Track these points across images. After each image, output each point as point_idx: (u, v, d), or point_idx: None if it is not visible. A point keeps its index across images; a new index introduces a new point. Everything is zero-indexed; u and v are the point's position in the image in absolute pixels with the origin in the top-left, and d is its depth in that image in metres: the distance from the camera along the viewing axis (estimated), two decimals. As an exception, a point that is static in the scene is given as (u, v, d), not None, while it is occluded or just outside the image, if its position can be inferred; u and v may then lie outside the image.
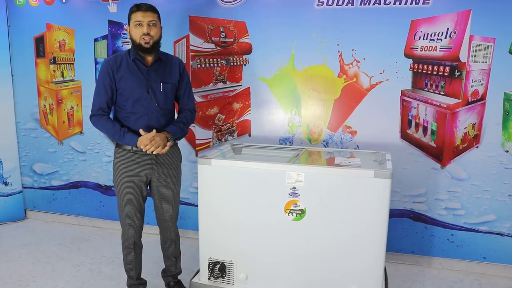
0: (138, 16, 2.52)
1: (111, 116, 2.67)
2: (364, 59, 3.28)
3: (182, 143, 2.84)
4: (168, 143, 2.57)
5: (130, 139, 2.55)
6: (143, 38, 2.52)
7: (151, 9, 2.56)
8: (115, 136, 2.59)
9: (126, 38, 3.79)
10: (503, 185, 3.19)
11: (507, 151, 3.15)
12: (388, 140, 3.33)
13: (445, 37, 3.10)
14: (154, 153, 2.53)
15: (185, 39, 3.61)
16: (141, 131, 2.53)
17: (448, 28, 3.09)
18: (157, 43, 2.59)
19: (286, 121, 3.54)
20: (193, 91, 3.10)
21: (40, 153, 4.31)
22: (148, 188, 2.79)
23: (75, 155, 4.19)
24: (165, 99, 2.66)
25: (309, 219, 2.49)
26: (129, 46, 3.73)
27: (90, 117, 2.64)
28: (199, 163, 2.67)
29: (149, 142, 2.50)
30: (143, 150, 2.53)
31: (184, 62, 3.40)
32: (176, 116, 2.84)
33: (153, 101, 2.60)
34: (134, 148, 2.61)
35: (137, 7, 2.54)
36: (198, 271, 2.87)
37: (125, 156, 2.64)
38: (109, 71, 2.57)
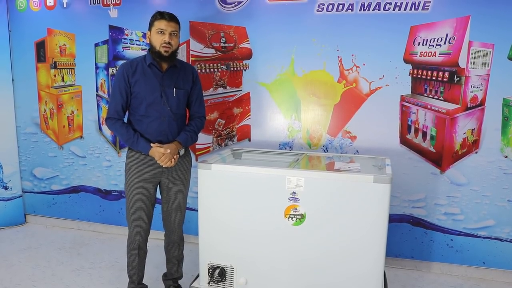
0: (162, 24, 2.58)
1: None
2: (364, 64, 3.29)
3: (189, 146, 2.88)
4: (176, 156, 2.67)
5: (143, 146, 2.63)
6: (164, 46, 2.58)
7: (175, 19, 2.63)
8: (128, 142, 2.66)
9: (127, 43, 3.81)
10: (502, 190, 3.20)
11: (506, 157, 3.16)
12: (388, 145, 3.33)
13: (444, 43, 3.12)
14: (164, 166, 2.64)
15: (185, 44, 3.62)
16: (152, 144, 2.62)
17: (447, 34, 3.10)
18: (174, 52, 2.66)
19: (286, 126, 3.55)
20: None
21: (40, 158, 4.32)
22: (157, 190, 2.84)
23: (75, 159, 4.19)
24: (178, 104, 2.72)
25: (309, 224, 2.50)
26: (129, 51, 3.81)
27: (106, 119, 2.71)
28: (199, 168, 2.68)
29: (161, 156, 2.60)
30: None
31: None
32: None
33: (166, 106, 2.66)
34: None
35: (161, 15, 2.59)
36: (198, 275, 2.87)
37: (137, 157, 2.69)
38: (125, 75, 2.63)
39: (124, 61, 3.34)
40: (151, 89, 2.63)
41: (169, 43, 2.58)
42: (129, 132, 2.64)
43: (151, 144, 2.61)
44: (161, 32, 2.58)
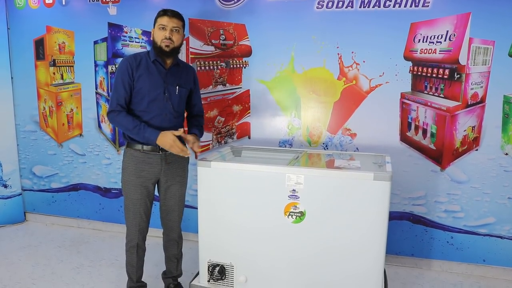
0: (163, 20, 2.58)
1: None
2: (364, 61, 3.28)
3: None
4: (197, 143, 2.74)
5: (151, 133, 2.55)
6: (164, 42, 2.57)
7: (177, 16, 2.62)
8: (134, 131, 2.56)
9: (126, 41, 3.80)
10: (502, 187, 3.19)
11: (506, 154, 3.15)
12: (388, 143, 3.33)
13: (445, 40, 3.11)
14: (181, 154, 2.60)
15: (184, 41, 3.61)
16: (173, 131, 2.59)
17: (447, 31, 3.09)
18: (176, 49, 2.64)
19: (285, 123, 3.54)
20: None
21: (40, 156, 4.31)
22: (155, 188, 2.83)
23: (75, 157, 4.19)
24: (179, 102, 2.72)
25: (309, 221, 2.49)
26: (128, 49, 3.79)
27: (108, 113, 2.63)
28: (199, 166, 2.67)
29: (175, 143, 2.55)
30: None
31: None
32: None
33: (168, 103, 2.65)
34: (144, 148, 2.64)
35: (164, 12, 2.60)
36: (198, 273, 2.86)
37: (135, 155, 2.66)
38: (129, 69, 2.60)
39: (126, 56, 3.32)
40: (154, 85, 2.62)
41: (169, 38, 2.57)
42: (134, 121, 2.57)
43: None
44: (162, 28, 2.58)
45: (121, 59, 2.91)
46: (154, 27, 2.65)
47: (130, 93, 2.63)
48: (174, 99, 2.68)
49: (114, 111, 2.61)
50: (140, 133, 2.56)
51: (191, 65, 3.59)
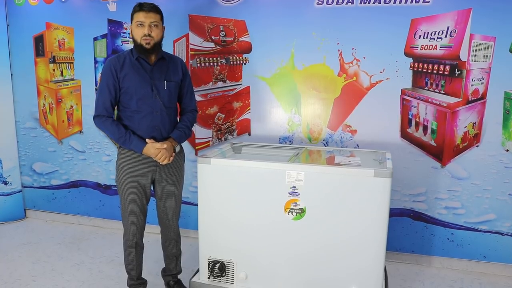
0: (140, 16, 2.50)
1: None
2: (364, 58, 3.27)
3: (182, 143, 2.84)
4: (174, 154, 2.63)
5: (136, 145, 2.55)
6: (144, 39, 2.50)
7: (154, 9, 2.54)
8: (120, 140, 2.57)
9: (126, 37, 3.79)
10: (503, 184, 3.19)
11: (507, 150, 3.15)
12: (388, 139, 3.32)
13: (446, 36, 3.10)
14: (162, 163, 2.59)
15: (184, 38, 3.60)
16: (147, 140, 2.56)
17: (448, 27, 3.08)
18: (158, 44, 2.58)
19: (286, 120, 3.53)
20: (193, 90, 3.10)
21: (40, 153, 4.31)
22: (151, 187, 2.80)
23: (75, 154, 4.18)
24: (169, 97, 2.66)
25: (309, 218, 2.49)
26: (128, 45, 3.78)
27: (94, 117, 2.61)
28: (199, 162, 2.67)
29: (157, 152, 2.54)
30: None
31: (184, 61, 3.40)
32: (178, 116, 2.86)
33: (158, 99, 2.60)
34: None
35: (140, 7, 2.51)
36: (198, 270, 2.86)
37: (129, 155, 2.63)
38: (112, 70, 2.55)
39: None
40: (141, 82, 2.56)
41: (149, 35, 2.50)
42: (120, 130, 2.55)
43: (146, 140, 2.56)
44: (140, 24, 2.50)
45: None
46: (131, 24, 2.57)
47: (115, 95, 2.58)
48: (163, 95, 2.62)
49: (101, 116, 2.58)
50: (126, 143, 2.56)
51: (192, 61, 3.59)
